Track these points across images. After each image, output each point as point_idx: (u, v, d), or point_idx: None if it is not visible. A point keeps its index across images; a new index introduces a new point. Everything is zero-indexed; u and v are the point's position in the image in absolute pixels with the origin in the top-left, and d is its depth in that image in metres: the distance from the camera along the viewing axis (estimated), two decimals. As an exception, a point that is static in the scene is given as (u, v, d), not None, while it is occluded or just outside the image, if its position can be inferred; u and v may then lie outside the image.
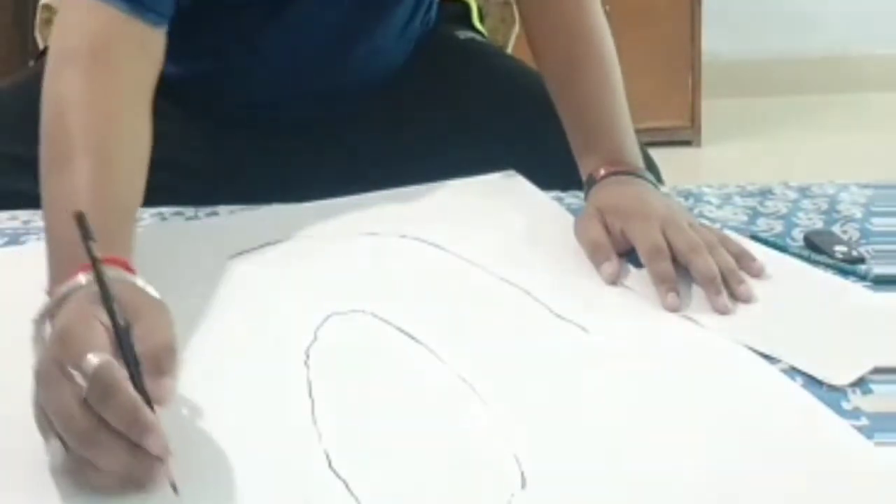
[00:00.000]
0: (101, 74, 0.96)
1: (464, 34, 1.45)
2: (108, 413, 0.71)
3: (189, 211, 1.16)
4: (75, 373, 0.72)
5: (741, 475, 0.78)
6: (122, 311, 0.77)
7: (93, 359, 0.71)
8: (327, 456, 0.79)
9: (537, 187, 1.20)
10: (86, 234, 0.79)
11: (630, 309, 1.00)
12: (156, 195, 1.09)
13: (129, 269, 0.84)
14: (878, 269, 1.05)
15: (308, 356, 0.90)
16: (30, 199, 1.20)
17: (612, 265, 1.04)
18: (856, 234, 1.13)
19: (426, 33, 1.41)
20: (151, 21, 1.03)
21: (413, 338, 0.93)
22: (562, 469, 0.79)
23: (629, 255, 1.06)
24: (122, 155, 0.93)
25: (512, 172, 1.23)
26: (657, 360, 0.92)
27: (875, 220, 1.16)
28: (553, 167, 1.21)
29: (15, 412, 0.78)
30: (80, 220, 0.80)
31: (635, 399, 0.86)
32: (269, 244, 1.08)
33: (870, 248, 1.10)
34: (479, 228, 1.13)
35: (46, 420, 0.73)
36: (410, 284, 1.02)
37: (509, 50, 1.60)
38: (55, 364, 0.73)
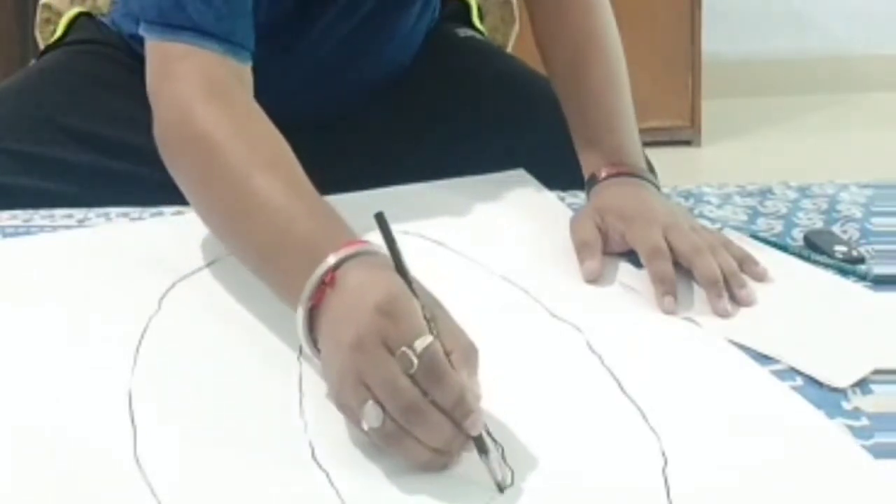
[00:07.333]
0: (231, 107, 1.01)
1: (463, 32, 1.45)
2: (437, 390, 0.76)
3: (189, 210, 1.16)
4: (402, 349, 0.76)
5: (730, 476, 0.78)
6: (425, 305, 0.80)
7: (424, 339, 0.76)
8: (311, 446, 0.80)
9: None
10: (389, 236, 0.81)
11: (627, 309, 1.00)
12: (157, 194, 1.09)
13: None
14: (878, 269, 1.05)
15: (301, 351, 0.90)
16: (29, 195, 1.21)
17: (593, 263, 1.04)
18: (856, 234, 1.13)
19: (429, 32, 1.41)
20: (243, 59, 1.05)
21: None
22: (543, 468, 0.79)
23: (630, 256, 1.06)
24: (290, 160, 0.97)
25: (521, 171, 1.23)
26: (649, 360, 0.92)
27: (875, 220, 1.16)
28: (553, 166, 1.21)
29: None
30: (381, 220, 0.82)
31: (623, 400, 0.86)
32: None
33: (870, 248, 1.10)
34: (483, 226, 1.13)
35: (363, 387, 0.77)
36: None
37: (509, 49, 1.60)
38: (379, 336, 0.77)
